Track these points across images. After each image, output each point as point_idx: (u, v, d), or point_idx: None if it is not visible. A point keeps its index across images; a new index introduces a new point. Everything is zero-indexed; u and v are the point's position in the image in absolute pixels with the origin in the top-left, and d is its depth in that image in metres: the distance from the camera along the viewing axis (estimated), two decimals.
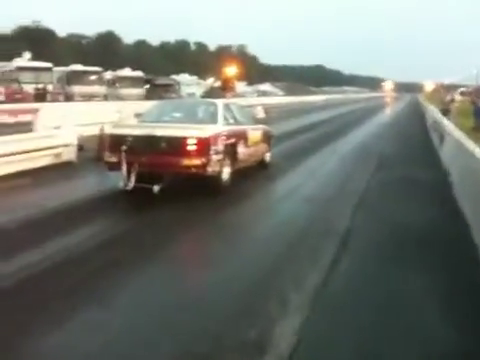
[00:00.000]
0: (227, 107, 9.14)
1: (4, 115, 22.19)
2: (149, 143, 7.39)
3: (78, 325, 3.71)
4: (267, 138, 10.66)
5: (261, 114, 27.68)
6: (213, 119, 8.38)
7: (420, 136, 19.14)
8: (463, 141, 8.67)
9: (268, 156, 10.83)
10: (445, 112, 24.25)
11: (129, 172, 7.35)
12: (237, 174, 8.60)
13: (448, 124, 13.52)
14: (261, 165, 10.51)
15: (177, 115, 8.61)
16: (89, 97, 33.63)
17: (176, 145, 7.34)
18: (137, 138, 7.43)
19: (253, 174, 9.78)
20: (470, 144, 8.02)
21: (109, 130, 7.76)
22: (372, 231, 6.18)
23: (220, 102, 9.11)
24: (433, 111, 23.59)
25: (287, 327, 3.62)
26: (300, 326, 3.63)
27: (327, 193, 8.26)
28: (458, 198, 7.53)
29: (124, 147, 7.29)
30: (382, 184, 9.17)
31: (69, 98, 33.43)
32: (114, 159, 7.57)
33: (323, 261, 5.00)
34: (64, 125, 11.04)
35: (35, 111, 22.25)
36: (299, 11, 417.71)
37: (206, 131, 7.55)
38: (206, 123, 8.11)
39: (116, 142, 7.56)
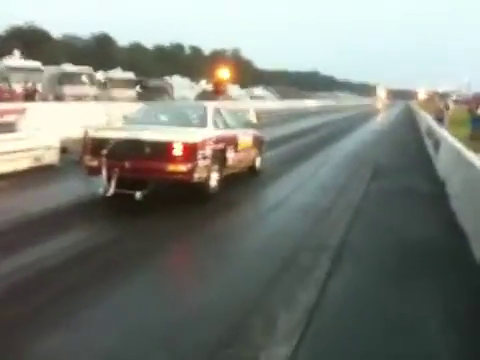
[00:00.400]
0: (217, 111, 8.74)
1: None
2: (132, 147, 6.97)
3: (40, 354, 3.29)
4: (258, 143, 10.29)
5: (253, 118, 27.41)
6: (202, 123, 7.99)
7: (414, 144, 18.85)
8: (461, 151, 8.34)
9: (259, 162, 10.46)
10: (439, 120, 24.02)
11: (110, 177, 6.93)
12: (226, 181, 8.22)
13: (443, 133, 13.20)
14: (252, 171, 10.15)
15: (164, 118, 8.19)
16: (80, 98, 33.20)
17: (161, 150, 6.92)
18: (119, 142, 7.00)
19: (243, 180, 9.41)
20: (468, 154, 7.69)
21: (90, 132, 7.32)
22: (367, 246, 5.80)
23: (210, 105, 8.72)
24: (427, 119, 23.34)
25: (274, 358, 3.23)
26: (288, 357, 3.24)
27: (320, 203, 7.83)
28: (456, 210, 7.18)
29: (105, 151, 6.87)
30: (378, 194, 8.79)
31: (59, 98, 32.96)
32: (94, 163, 7.14)
33: (315, 279, 4.60)
34: (46, 126, 10.58)
35: (22, 111, 21.86)
36: (295, 17, 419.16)
37: (193, 135, 7.14)
38: (194, 127, 7.72)
39: (97, 145, 7.13)
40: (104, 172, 6.92)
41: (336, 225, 6.57)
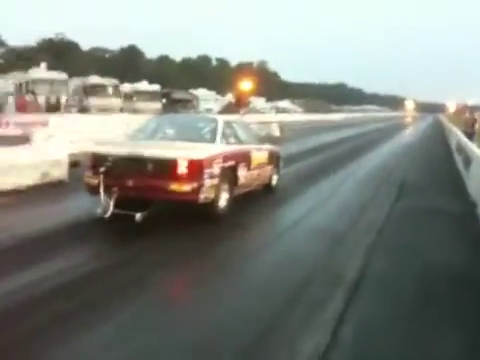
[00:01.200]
0: (229, 124, 8.22)
1: (10, 126, 21.75)
2: (133, 164, 6.49)
3: None
4: (274, 159, 9.71)
5: (276, 132, 27.04)
6: (211, 138, 7.47)
7: (443, 160, 17.99)
8: None
9: (275, 179, 9.88)
10: (470, 135, 22.99)
11: (109, 196, 6.46)
12: (238, 199, 7.68)
13: (475, 149, 12.40)
14: (267, 189, 9.58)
15: (171, 132, 7.69)
16: (105, 110, 33.29)
17: (164, 167, 6.42)
18: (120, 158, 6.53)
19: (257, 198, 8.84)
20: None
21: (91, 147, 6.87)
22: (389, 278, 5.14)
23: (221, 118, 8.18)
24: (457, 133, 22.37)
25: None
26: None
27: (339, 225, 7.19)
28: None
29: (103, 168, 6.40)
30: (403, 215, 8.10)
31: (85, 110, 33.10)
32: (94, 181, 6.67)
33: (327, 321, 3.99)
34: (64, 139, 10.21)
35: (44, 123, 21.83)
36: (323, 29, 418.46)
37: (199, 152, 6.62)
38: (202, 142, 7.20)
39: (98, 161, 6.68)
40: (102, 191, 6.44)
41: (355, 252, 5.93)
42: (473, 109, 42.23)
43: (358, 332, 3.87)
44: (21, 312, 4.04)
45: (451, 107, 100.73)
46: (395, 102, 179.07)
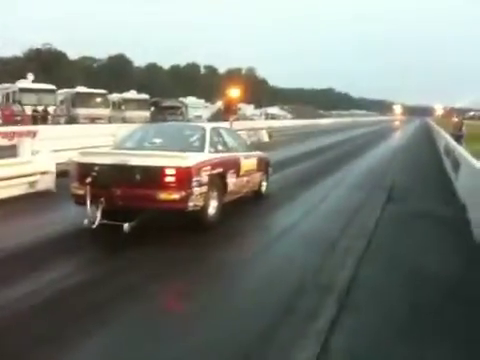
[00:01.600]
0: (217, 132, 8.18)
1: None
2: (120, 174, 6.41)
3: None
4: (263, 166, 9.68)
5: (265, 138, 26.98)
6: (199, 146, 7.42)
7: (432, 163, 18.08)
8: None
9: (265, 186, 9.85)
10: (458, 138, 23.14)
11: (96, 207, 6.37)
12: (227, 206, 7.63)
13: (462, 152, 12.44)
14: (257, 195, 9.54)
15: (158, 141, 7.61)
16: (93, 119, 33.17)
17: (151, 176, 6.35)
18: (106, 167, 6.45)
19: (247, 205, 8.79)
20: None
21: (76, 157, 6.78)
22: (379, 286, 5.10)
23: (208, 126, 8.14)
24: (445, 137, 22.50)
25: None
26: None
27: (330, 232, 7.14)
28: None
29: (89, 178, 6.32)
30: (393, 222, 8.03)
31: (73, 120, 32.94)
32: (81, 192, 6.58)
33: (317, 332, 3.91)
34: (42, 151, 10.12)
35: (32, 134, 21.63)
36: (310, 35, 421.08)
37: (187, 160, 6.55)
38: (189, 150, 7.13)
39: (84, 172, 6.59)
40: (88, 201, 6.36)
41: (346, 259, 5.87)
42: (460, 112, 42.64)
43: (352, 337, 3.85)
44: (21, 321, 4.00)
45: (439, 110, 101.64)
46: (383, 106, 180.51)
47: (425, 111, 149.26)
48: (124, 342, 3.80)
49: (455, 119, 30.90)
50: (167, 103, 44.49)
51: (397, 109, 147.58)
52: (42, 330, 3.90)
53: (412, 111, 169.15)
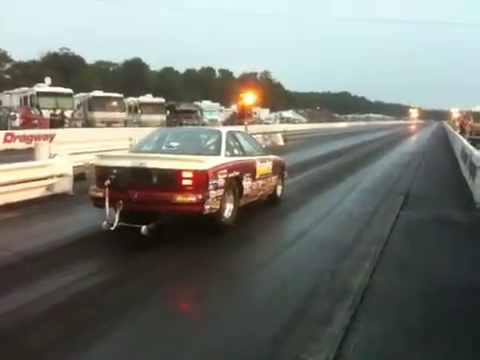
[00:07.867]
0: (232, 136, 8.24)
1: (16, 141, 21.87)
2: (137, 177, 6.51)
3: None
4: (279, 170, 9.71)
5: (280, 142, 26.96)
6: (215, 150, 7.49)
7: (449, 168, 17.89)
8: None
9: (280, 189, 9.88)
10: (474, 142, 22.95)
11: (114, 209, 6.46)
12: (243, 210, 7.66)
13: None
14: (272, 199, 9.57)
15: (175, 144, 7.69)
16: (110, 123, 33.53)
17: (168, 179, 6.43)
18: (124, 171, 6.55)
19: (262, 209, 8.83)
20: None
21: (95, 160, 6.89)
22: (393, 294, 5.05)
23: (224, 130, 8.21)
24: (462, 141, 22.27)
25: None
26: None
27: (344, 238, 7.12)
28: None
29: (108, 181, 6.42)
30: (408, 226, 8.01)
31: (90, 124, 33.32)
32: (99, 194, 6.68)
33: (329, 339, 3.91)
34: (60, 154, 10.27)
35: (49, 137, 21.95)
36: (325, 38, 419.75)
37: (204, 163, 6.62)
38: (206, 154, 7.20)
39: (102, 175, 6.70)
40: (107, 204, 6.46)
41: (360, 265, 5.85)
42: (476, 115, 42.01)
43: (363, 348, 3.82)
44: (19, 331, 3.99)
45: (455, 114, 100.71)
46: (400, 110, 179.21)
47: (442, 115, 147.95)
48: (138, 343, 3.82)
49: (471, 123, 30.68)
50: (183, 107, 44.73)
51: (413, 113, 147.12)
52: (60, 331, 3.96)
53: (429, 115, 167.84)
